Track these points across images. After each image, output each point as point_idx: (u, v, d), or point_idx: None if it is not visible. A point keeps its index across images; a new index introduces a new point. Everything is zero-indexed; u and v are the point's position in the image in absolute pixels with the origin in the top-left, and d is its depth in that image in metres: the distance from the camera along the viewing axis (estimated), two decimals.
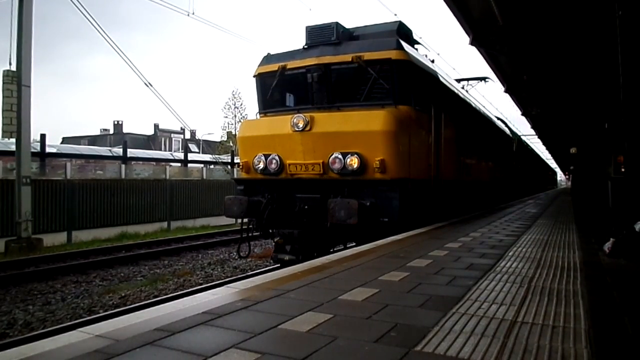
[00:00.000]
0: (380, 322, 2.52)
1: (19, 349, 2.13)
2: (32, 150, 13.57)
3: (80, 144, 41.24)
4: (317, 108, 7.56)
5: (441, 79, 9.04)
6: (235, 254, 10.50)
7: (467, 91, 13.34)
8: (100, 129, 60.90)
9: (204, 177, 21.87)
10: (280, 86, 8.12)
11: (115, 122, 58.06)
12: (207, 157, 30.09)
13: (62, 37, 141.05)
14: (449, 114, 9.17)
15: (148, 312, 2.70)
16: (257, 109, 8.63)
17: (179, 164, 25.50)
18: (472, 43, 11.12)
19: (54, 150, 21.16)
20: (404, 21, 8.72)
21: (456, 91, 10.50)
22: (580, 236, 6.89)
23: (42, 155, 16.49)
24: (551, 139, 31.13)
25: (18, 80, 12.68)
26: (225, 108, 44.84)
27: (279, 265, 7.62)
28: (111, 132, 57.72)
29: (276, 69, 7.94)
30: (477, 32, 10.83)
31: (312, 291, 3.22)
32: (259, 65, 8.31)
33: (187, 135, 55.53)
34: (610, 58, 7.18)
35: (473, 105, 12.49)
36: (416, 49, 8.53)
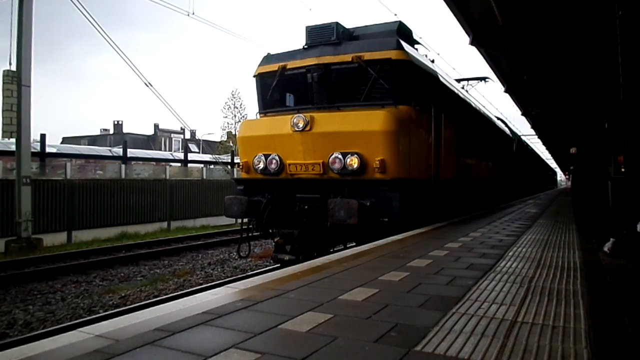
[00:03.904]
0: (380, 322, 2.52)
1: (19, 349, 2.13)
2: (32, 150, 13.56)
3: (80, 144, 41.23)
4: (317, 108, 7.56)
5: (441, 79, 9.04)
6: (235, 254, 10.50)
7: (467, 91, 13.34)
8: (100, 129, 60.89)
9: (204, 177, 21.86)
10: (280, 86, 8.12)
11: (115, 122, 58.08)
12: (207, 157, 30.07)
13: (68, 36, 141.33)
14: (449, 114, 9.17)
15: (148, 312, 2.70)
16: (257, 109, 8.63)
17: (179, 164, 25.49)
18: (472, 43, 11.11)
19: (54, 150, 21.16)
20: (404, 21, 8.73)
21: (456, 91, 10.50)
22: (580, 236, 6.90)
23: (42, 155, 16.48)
24: (551, 139, 31.13)
25: (18, 80, 12.68)
26: (225, 108, 44.92)
27: (279, 265, 7.62)
28: (111, 132, 57.68)
29: (276, 69, 7.94)
30: (477, 32, 10.82)
31: (312, 291, 3.22)
32: (259, 65, 8.31)
33: (187, 135, 55.53)
34: (610, 58, 7.17)
35: (473, 105, 12.49)
36: (416, 49, 8.53)
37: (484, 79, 16.80)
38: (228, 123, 44.40)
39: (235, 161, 23.23)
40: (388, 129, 6.69)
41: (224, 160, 26.10)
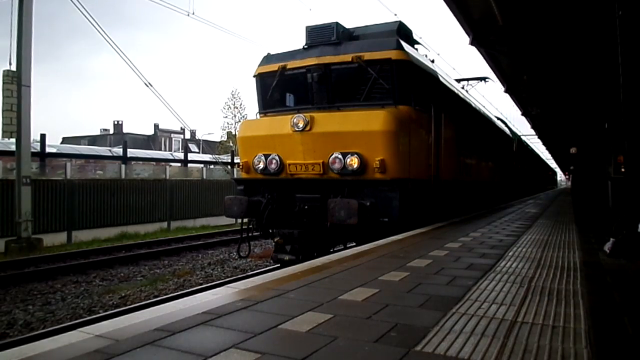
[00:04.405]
0: (380, 322, 2.52)
1: (19, 349, 2.13)
2: (32, 150, 13.55)
3: (80, 144, 41.22)
4: (317, 108, 7.56)
5: (441, 79, 9.04)
6: (235, 254, 10.50)
7: (467, 91, 13.34)
8: (100, 129, 60.88)
9: (204, 177, 21.85)
10: (280, 86, 8.12)
11: (115, 122, 58.08)
12: (207, 157, 30.07)
13: (68, 36, 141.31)
14: (449, 114, 9.17)
15: (148, 312, 2.70)
16: (257, 109, 8.63)
17: (179, 164, 25.49)
18: (472, 43, 11.11)
19: (54, 150, 21.14)
20: (404, 21, 8.73)
21: (456, 91, 10.50)
22: (580, 236, 6.90)
23: (42, 155, 16.47)
24: (551, 139, 31.14)
25: (18, 80, 12.67)
26: (225, 108, 44.95)
27: (279, 265, 7.62)
28: (111, 132, 57.69)
29: (276, 69, 7.94)
30: (477, 32, 10.83)
31: (312, 291, 3.22)
32: (259, 65, 8.31)
33: (187, 135, 55.53)
34: (610, 58, 7.18)
35: (473, 105, 12.49)
36: (416, 49, 8.53)
37: (484, 79, 16.80)
38: (228, 123, 44.48)
39: (235, 161, 23.23)
40: (388, 129, 6.69)
41: (224, 160, 26.10)
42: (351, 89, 7.52)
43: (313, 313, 2.68)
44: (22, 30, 12.52)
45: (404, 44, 7.45)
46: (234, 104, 44.20)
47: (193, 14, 16.27)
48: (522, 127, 55.03)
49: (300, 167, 7.27)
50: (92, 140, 52.47)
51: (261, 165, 7.61)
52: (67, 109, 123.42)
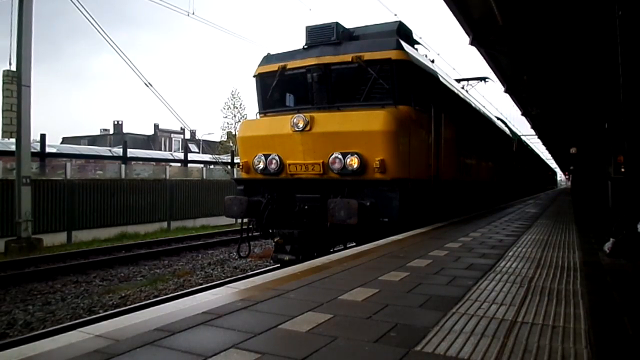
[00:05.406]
0: (380, 322, 2.52)
1: (19, 349, 2.13)
2: (32, 150, 13.56)
3: (80, 144, 41.24)
4: (317, 108, 7.56)
5: (441, 79, 9.04)
6: (235, 254, 10.50)
7: (467, 91, 13.34)
8: (100, 129, 60.89)
9: (204, 177, 21.86)
10: (280, 86, 8.12)
11: (115, 122, 58.07)
12: (207, 157, 30.08)
13: (68, 36, 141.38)
14: (449, 114, 9.17)
15: (148, 312, 2.70)
16: (257, 109, 8.64)
17: (179, 164, 25.49)
18: (472, 43, 11.11)
19: (54, 150, 21.15)
20: (404, 21, 8.73)
21: (456, 91, 10.50)
22: (580, 236, 6.90)
23: (42, 155, 16.47)
24: (551, 139, 31.14)
25: (18, 80, 12.68)
26: (224, 108, 44.92)
27: (279, 265, 7.62)
28: (111, 132, 57.69)
29: (276, 69, 7.94)
30: (477, 32, 10.83)
31: (312, 291, 3.22)
32: (259, 65, 8.31)
33: (187, 135, 55.52)
34: (610, 58, 7.18)
35: (473, 105, 12.49)
36: (416, 49, 8.53)
37: (484, 79, 16.80)
38: (228, 123, 44.42)
39: (235, 161, 23.23)
40: (388, 129, 6.69)
41: (224, 160, 26.10)
42: (351, 89, 7.52)
43: (313, 313, 2.68)
44: (22, 30, 12.52)
45: (404, 44, 7.45)
46: (234, 104, 44.19)
47: (193, 14, 16.31)
48: (522, 127, 55.01)
49: (300, 167, 7.27)
50: (92, 140, 52.47)
51: (261, 165, 7.61)
52: (67, 109, 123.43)
